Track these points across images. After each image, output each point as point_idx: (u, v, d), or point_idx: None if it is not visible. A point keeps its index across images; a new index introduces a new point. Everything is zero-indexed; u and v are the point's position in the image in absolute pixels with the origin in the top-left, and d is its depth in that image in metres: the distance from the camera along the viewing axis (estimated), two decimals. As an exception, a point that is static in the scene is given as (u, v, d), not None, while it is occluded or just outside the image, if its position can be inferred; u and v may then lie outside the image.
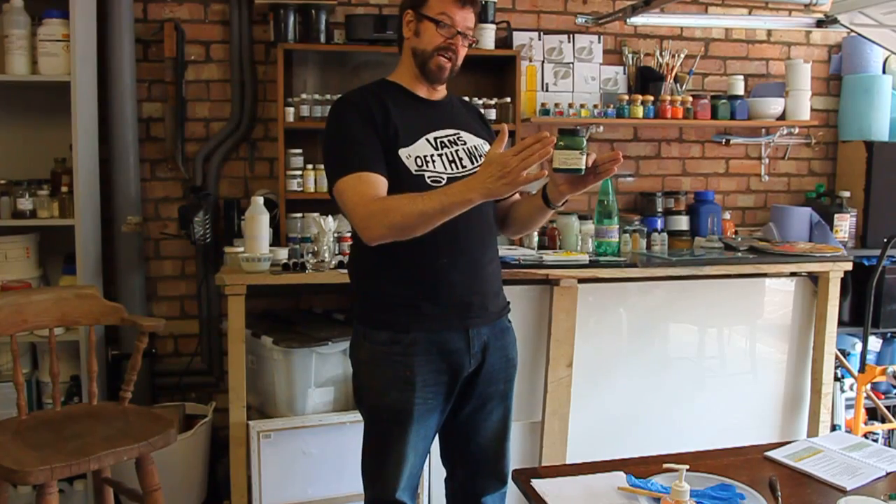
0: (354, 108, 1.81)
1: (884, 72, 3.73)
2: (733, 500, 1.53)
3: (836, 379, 3.38)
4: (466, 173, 1.84)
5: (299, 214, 3.01)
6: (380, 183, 1.75)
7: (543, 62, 3.40)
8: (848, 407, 3.45)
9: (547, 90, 3.39)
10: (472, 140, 1.94)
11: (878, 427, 3.50)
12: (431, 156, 1.85)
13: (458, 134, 1.92)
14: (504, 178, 1.54)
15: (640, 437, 2.84)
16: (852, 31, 3.12)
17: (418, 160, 1.82)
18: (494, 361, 1.94)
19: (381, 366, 1.84)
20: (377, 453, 1.89)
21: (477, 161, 1.89)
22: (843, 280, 3.14)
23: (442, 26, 1.82)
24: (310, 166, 3.00)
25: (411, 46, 1.87)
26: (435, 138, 1.88)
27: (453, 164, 1.87)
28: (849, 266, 3.12)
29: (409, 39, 1.87)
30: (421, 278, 1.83)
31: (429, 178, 1.83)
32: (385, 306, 1.85)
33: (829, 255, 3.08)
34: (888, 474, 1.72)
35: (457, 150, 1.89)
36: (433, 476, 2.72)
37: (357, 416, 2.65)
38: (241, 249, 2.70)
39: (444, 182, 1.82)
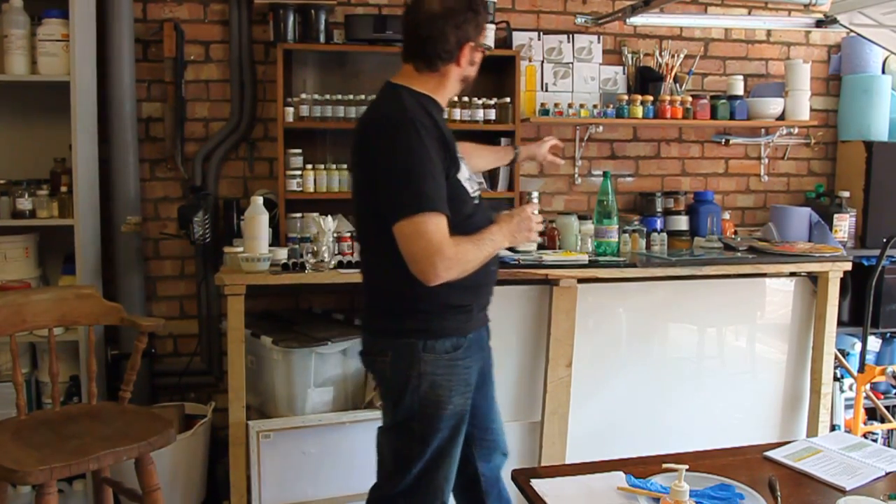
0: (429, 135, 1.78)
1: (883, 72, 3.73)
2: (732, 500, 1.54)
3: (836, 379, 3.38)
4: (478, 190, 2.01)
5: (299, 214, 3.01)
6: (447, 227, 1.78)
7: (543, 62, 3.40)
8: (847, 407, 3.45)
9: (546, 90, 3.39)
10: None
11: (878, 427, 3.50)
12: (470, 178, 1.96)
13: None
14: (524, 233, 1.93)
15: (640, 437, 2.84)
16: (852, 31, 3.12)
17: (468, 182, 1.94)
18: (489, 346, 2.10)
19: (445, 374, 1.88)
20: (432, 466, 1.92)
21: (476, 176, 2.04)
22: (842, 280, 3.14)
23: (484, 51, 1.96)
24: (309, 166, 3.00)
25: (464, 75, 1.93)
26: (461, 156, 1.95)
27: (473, 183, 1.99)
28: (848, 266, 3.12)
29: (461, 69, 1.90)
30: (477, 285, 1.94)
31: (476, 197, 1.97)
32: (446, 315, 1.89)
33: (828, 255, 3.08)
34: (887, 474, 1.72)
35: (468, 166, 2.01)
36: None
37: (356, 416, 2.68)
38: (241, 249, 2.70)
39: (477, 201, 1.97)
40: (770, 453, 1.83)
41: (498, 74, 3.29)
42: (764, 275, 3.13)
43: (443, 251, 1.72)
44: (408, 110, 1.80)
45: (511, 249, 1.99)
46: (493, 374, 2.15)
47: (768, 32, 3.71)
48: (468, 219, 1.88)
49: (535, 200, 3.25)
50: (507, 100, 3.15)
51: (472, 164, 2.19)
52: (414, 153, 1.75)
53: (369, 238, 1.95)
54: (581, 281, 2.82)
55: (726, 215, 3.56)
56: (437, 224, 1.73)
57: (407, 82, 1.90)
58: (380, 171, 1.79)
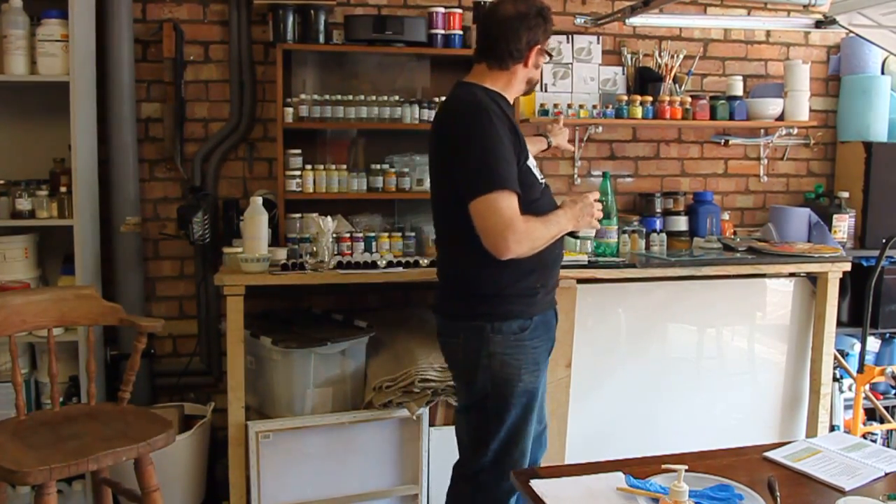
0: (501, 123, 1.95)
1: (882, 72, 3.73)
2: (732, 500, 1.54)
3: (835, 379, 3.39)
4: (544, 180, 2.14)
5: (298, 215, 3.01)
6: (518, 205, 1.92)
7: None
8: (847, 407, 3.45)
9: (546, 91, 3.39)
10: None
11: (877, 427, 3.50)
12: (536, 165, 2.12)
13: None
14: (587, 218, 2.09)
15: (639, 438, 2.85)
16: (851, 31, 3.13)
17: (535, 168, 2.09)
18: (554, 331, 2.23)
19: (513, 353, 2.02)
20: (510, 442, 2.06)
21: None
22: (841, 280, 3.15)
23: (548, 55, 2.14)
24: (308, 167, 3.00)
25: (529, 76, 2.12)
26: (527, 145, 2.10)
27: (538, 170, 2.12)
28: (847, 266, 3.12)
29: (527, 69, 2.09)
30: (543, 268, 2.07)
31: (542, 183, 2.10)
32: (513, 298, 2.03)
33: (827, 255, 3.08)
34: (887, 475, 1.72)
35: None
36: (432, 467, 2.73)
37: (355, 416, 2.67)
38: (240, 250, 2.70)
39: (543, 187, 2.10)
40: (769, 454, 1.83)
41: (497, 75, 3.28)
42: (763, 275, 3.13)
43: (514, 226, 1.87)
44: (481, 100, 1.99)
45: (572, 235, 2.10)
46: (548, 361, 2.26)
47: (767, 33, 3.71)
48: (534, 202, 2.02)
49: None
50: (507, 100, 3.15)
51: None
52: (488, 137, 1.91)
53: (444, 225, 2.13)
54: (580, 281, 2.82)
55: (725, 216, 3.57)
56: (509, 201, 1.88)
57: (478, 80, 2.08)
58: (457, 156, 1.96)
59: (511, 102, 2.13)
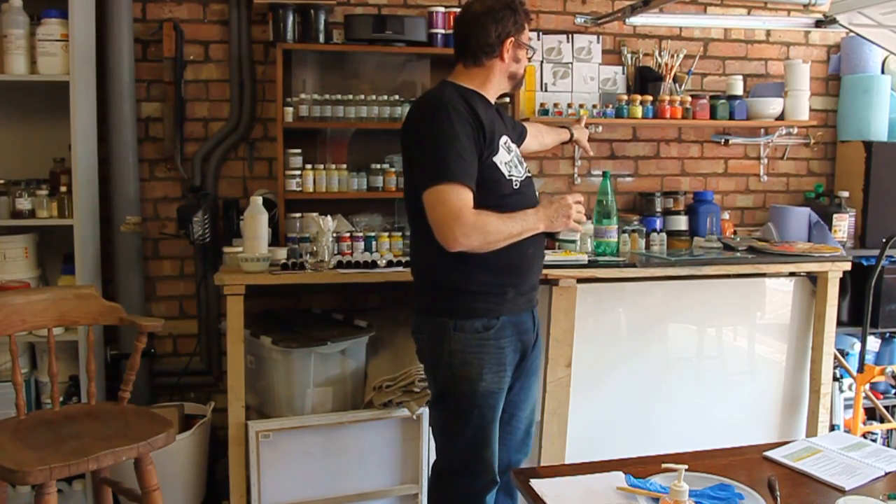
0: (461, 119, 1.94)
1: (882, 72, 3.73)
2: (732, 500, 1.54)
3: (835, 379, 3.39)
4: (524, 177, 2.11)
5: (298, 214, 3.01)
6: (471, 199, 1.92)
7: (542, 62, 3.40)
8: (847, 407, 3.45)
9: (546, 90, 3.39)
10: (514, 144, 2.18)
11: (877, 427, 3.50)
12: (510, 162, 2.08)
13: (509, 139, 2.14)
14: (563, 219, 2.02)
15: (639, 437, 2.85)
16: (851, 31, 3.12)
17: (506, 165, 2.05)
18: (537, 337, 2.21)
19: (475, 352, 2.01)
20: (477, 441, 2.06)
21: (523, 164, 2.16)
22: (841, 280, 3.14)
23: (529, 50, 2.13)
24: (309, 166, 3.00)
25: (510, 70, 2.09)
26: (504, 142, 2.09)
27: (517, 169, 2.10)
28: (847, 266, 3.12)
29: (505, 63, 2.07)
30: (512, 267, 2.04)
31: (514, 181, 2.06)
32: (477, 296, 2.01)
33: (827, 255, 3.08)
34: (887, 474, 1.72)
35: (515, 154, 2.13)
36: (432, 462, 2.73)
37: (356, 416, 2.68)
38: (240, 249, 2.70)
39: (517, 185, 2.06)
40: (769, 453, 1.83)
41: (497, 74, 3.28)
42: (763, 275, 3.13)
43: (461, 218, 1.86)
44: (444, 97, 1.99)
45: (551, 236, 2.09)
46: (537, 365, 2.25)
47: (768, 32, 3.71)
48: (503, 199, 2.01)
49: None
50: (507, 100, 3.15)
51: (541, 142, 2.59)
52: (443, 132, 1.92)
53: (411, 219, 2.11)
54: (580, 281, 2.82)
55: (726, 215, 3.57)
56: (458, 194, 1.88)
57: (455, 79, 2.10)
58: (414, 150, 2.00)
59: (491, 100, 2.11)
